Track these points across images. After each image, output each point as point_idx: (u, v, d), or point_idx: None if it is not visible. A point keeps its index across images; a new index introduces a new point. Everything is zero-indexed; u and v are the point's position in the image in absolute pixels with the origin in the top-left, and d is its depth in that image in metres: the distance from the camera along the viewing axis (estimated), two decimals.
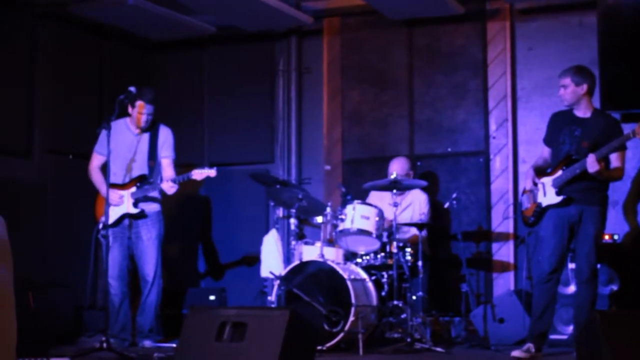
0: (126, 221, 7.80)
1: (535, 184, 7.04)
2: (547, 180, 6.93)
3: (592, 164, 6.56)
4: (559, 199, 6.83)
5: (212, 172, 7.59)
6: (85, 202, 8.18)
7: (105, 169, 7.18)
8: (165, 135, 7.97)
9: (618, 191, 8.23)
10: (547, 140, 7.15)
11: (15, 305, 3.19)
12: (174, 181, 7.62)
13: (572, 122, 6.91)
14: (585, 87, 6.84)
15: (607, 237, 7.93)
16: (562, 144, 6.92)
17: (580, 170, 6.66)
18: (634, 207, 8.43)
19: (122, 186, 7.77)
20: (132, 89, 7.12)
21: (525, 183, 7.23)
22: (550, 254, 6.88)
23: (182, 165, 8.29)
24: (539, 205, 6.95)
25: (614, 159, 6.77)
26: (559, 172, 6.85)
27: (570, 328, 7.53)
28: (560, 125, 6.99)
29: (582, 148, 6.75)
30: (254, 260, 8.71)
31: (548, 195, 6.90)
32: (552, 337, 7.50)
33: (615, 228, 8.24)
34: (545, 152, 7.16)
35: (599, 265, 6.95)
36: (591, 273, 6.76)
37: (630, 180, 8.41)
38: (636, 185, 8.44)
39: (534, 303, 6.95)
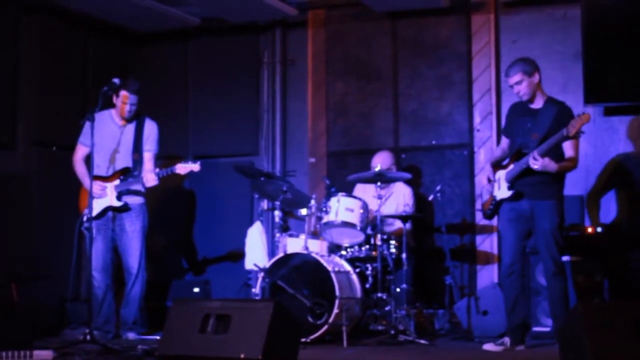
0: (109, 214, 7.79)
1: (490, 181, 7.03)
2: (502, 174, 6.93)
3: (536, 160, 6.52)
4: (510, 193, 6.82)
5: (195, 167, 7.57)
6: (69, 194, 8.16)
7: (89, 160, 7.16)
8: (150, 129, 7.95)
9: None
10: (505, 132, 7.15)
11: None
12: (157, 175, 7.60)
13: (525, 114, 6.86)
14: (537, 75, 6.78)
15: (590, 229, 7.95)
16: (516, 136, 6.90)
17: (526, 166, 6.63)
18: (597, 201, 8.45)
19: (106, 178, 7.76)
20: (116, 80, 7.10)
21: (484, 178, 7.22)
22: (507, 248, 6.91)
23: (167, 157, 8.28)
24: (494, 198, 6.96)
25: (568, 148, 6.69)
26: (511, 166, 6.84)
27: None
28: (516, 117, 6.97)
29: (531, 141, 6.68)
30: (239, 255, 8.70)
31: (502, 189, 6.90)
32: (536, 329, 7.54)
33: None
34: (504, 143, 7.15)
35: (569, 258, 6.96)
36: (556, 267, 6.71)
37: (595, 176, 8.44)
38: (601, 181, 8.45)
39: (504, 297, 6.97)
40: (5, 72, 8.72)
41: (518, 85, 6.79)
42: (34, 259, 8.63)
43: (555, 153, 6.64)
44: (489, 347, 6.77)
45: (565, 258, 7.31)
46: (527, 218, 6.80)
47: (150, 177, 7.61)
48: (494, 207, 6.98)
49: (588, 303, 6.61)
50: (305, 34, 9.85)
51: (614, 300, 7.65)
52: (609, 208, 8.45)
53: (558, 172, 6.67)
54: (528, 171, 6.65)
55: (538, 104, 6.83)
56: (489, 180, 7.07)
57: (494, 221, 8.73)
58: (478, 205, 8.86)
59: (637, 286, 7.84)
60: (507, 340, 6.77)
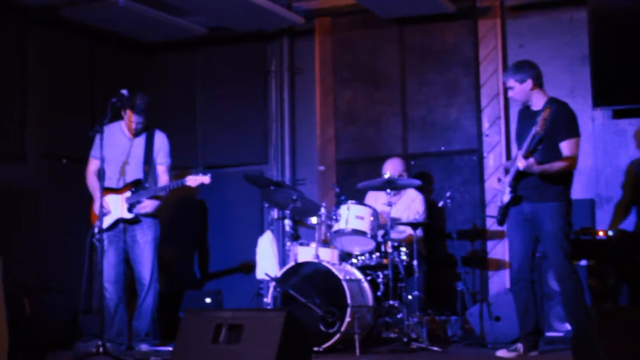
0: (121, 225, 7.79)
1: (499, 180, 7.05)
2: (507, 179, 6.94)
3: (520, 161, 6.51)
4: (509, 197, 6.81)
5: (206, 179, 7.54)
6: (80, 206, 8.17)
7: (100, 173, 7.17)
8: (161, 141, 7.95)
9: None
10: (515, 137, 7.12)
11: (6, 312, 3.18)
12: (167, 188, 7.61)
13: (528, 117, 6.83)
14: (530, 82, 6.75)
15: (601, 233, 7.92)
16: (520, 140, 6.90)
17: (516, 168, 6.62)
18: (625, 210, 8.40)
19: (117, 190, 7.76)
20: (124, 91, 7.11)
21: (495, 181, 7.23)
22: (514, 254, 6.89)
23: (175, 167, 8.28)
24: (501, 202, 6.96)
25: (564, 148, 6.62)
26: (510, 169, 6.84)
27: (566, 325, 7.54)
28: (520, 121, 6.99)
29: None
30: (251, 267, 8.67)
31: (506, 193, 6.89)
32: (548, 334, 7.52)
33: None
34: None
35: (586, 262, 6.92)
36: (563, 269, 6.65)
37: (605, 179, 8.41)
38: (626, 190, 8.40)
39: (515, 305, 6.95)
40: (13, 85, 8.75)
41: (511, 91, 6.84)
42: (46, 272, 8.65)
43: (553, 154, 6.61)
44: (502, 353, 6.75)
45: (582, 262, 7.28)
46: (530, 221, 6.76)
47: (145, 204, 7.65)
48: (503, 212, 6.96)
49: (601, 307, 6.60)
50: (313, 42, 9.86)
51: (628, 304, 7.62)
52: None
53: (546, 174, 6.60)
54: (524, 174, 6.63)
55: (537, 105, 6.79)
56: (499, 180, 7.07)
57: (505, 226, 8.76)
58: (490, 211, 8.84)
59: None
60: (520, 346, 6.74)
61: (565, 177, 6.73)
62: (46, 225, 8.79)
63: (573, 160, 6.65)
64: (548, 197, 6.66)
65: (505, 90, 8.85)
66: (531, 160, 6.50)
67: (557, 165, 6.61)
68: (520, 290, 6.83)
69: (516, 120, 7.10)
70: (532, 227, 6.78)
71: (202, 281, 9.88)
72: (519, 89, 6.78)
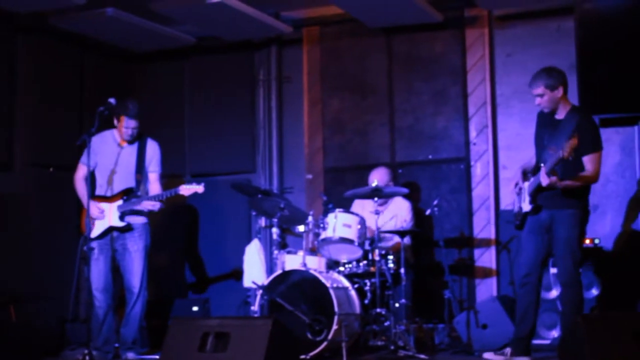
0: (111, 233, 7.77)
1: (520, 188, 7.02)
2: (526, 186, 6.93)
3: (543, 178, 6.50)
4: (530, 207, 6.81)
5: (199, 188, 7.52)
6: (67, 214, 8.17)
7: (92, 179, 7.18)
8: (153, 150, 7.93)
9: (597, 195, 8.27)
10: (534, 141, 7.05)
11: None
12: (160, 197, 7.59)
13: (548, 124, 6.81)
14: (561, 89, 6.69)
15: (587, 241, 7.95)
16: (538, 147, 6.89)
17: (539, 182, 6.60)
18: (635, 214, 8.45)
19: (108, 198, 7.75)
20: (112, 100, 7.11)
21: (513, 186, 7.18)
22: (525, 259, 6.89)
23: (164, 175, 8.26)
24: (520, 209, 6.96)
25: (586, 162, 6.59)
26: (531, 179, 6.85)
27: (552, 333, 7.55)
28: (539, 128, 6.94)
29: (548, 155, 6.59)
30: (240, 274, 8.67)
31: (526, 202, 6.90)
32: (535, 342, 7.52)
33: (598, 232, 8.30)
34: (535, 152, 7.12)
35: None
36: (569, 276, 6.68)
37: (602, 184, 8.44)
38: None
39: (517, 307, 6.96)
40: (1, 92, 8.74)
41: (540, 98, 6.73)
42: (33, 280, 8.62)
43: (575, 167, 6.55)
44: (488, 355, 6.77)
45: None
46: (547, 229, 6.77)
47: (147, 204, 7.59)
48: (522, 219, 6.97)
49: (588, 315, 6.62)
50: (301, 51, 9.88)
51: (614, 311, 7.65)
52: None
53: (574, 188, 6.61)
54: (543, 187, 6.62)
55: (561, 114, 6.75)
56: (515, 185, 7.05)
57: (492, 234, 8.80)
58: (477, 220, 8.87)
59: (634, 298, 7.84)
60: (508, 350, 6.77)
61: (582, 188, 6.72)
62: (33, 233, 8.77)
63: (596, 174, 6.63)
64: (565, 204, 6.66)
65: (493, 99, 8.96)
66: (554, 178, 6.47)
67: (580, 181, 6.61)
68: (525, 294, 6.85)
69: (535, 124, 7.00)
70: (547, 235, 6.78)
71: (189, 289, 9.87)
72: (550, 97, 6.70)
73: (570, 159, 6.27)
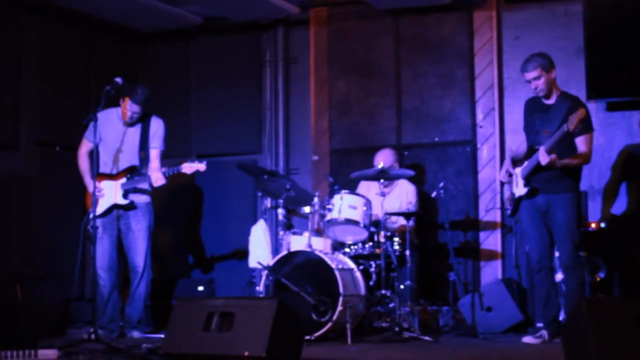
0: (115, 212, 7.78)
1: (510, 175, 7.08)
2: (519, 171, 6.98)
3: (542, 156, 6.58)
4: (525, 190, 6.87)
5: (202, 167, 7.55)
6: (72, 193, 8.17)
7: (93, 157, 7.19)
8: (157, 126, 7.93)
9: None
10: (524, 128, 7.18)
11: None
12: (163, 174, 7.60)
13: (539, 110, 6.92)
14: (554, 71, 6.83)
15: (593, 225, 7.95)
16: (530, 133, 6.96)
17: (537, 162, 6.68)
18: (613, 193, 8.43)
19: (112, 176, 7.76)
20: (118, 79, 7.09)
21: (500, 173, 7.27)
22: (534, 245, 6.98)
23: (169, 156, 8.26)
24: (513, 195, 7.03)
25: (580, 143, 6.72)
26: (525, 163, 6.89)
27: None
28: (529, 113, 7.04)
29: (543, 137, 6.73)
30: (244, 253, 8.69)
31: (519, 186, 6.97)
32: (540, 324, 7.53)
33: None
34: (525, 139, 7.19)
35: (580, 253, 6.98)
36: (570, 260, 6.78)
37: (598, 172, 8.43)
38: (615, 172, 8.44)
39: (536, 294, 7.09)
40: (7, 72, 8.74)
41: (536, 81, 6.83)
42: (38, 259, 8.65)
43: (568, 148, 6.68)
44: (528, 339, 6.87)
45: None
46: (544, 213, 6.88)
47: (157, 176, 7.60)
48: (514, 205, 7.02)
49: (592, 299, 6.62)
50: (308, 33, 9.85)
51: (619, 295, 7.64)
52: (620, 201, 8.45)
53: (565, 167, 6.70)
54: (540, 167, 6.69)
55: (551, 99, 6.88)
56: (510, 175, 7.09)
57: (497, 217, 8.78)
58: (482, 202, 8.86)
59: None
60: (544, 333, 6.87)
61: (576, 171, 6.87)
62: (39, 212, 8.79)
63: (589, 154, 6.80)
64: (561, 188, 6.79)
65: (500, 81, 8.94)
66: (554, 156, 6.58)
67: (577, 159, 6.74)
68: (542, 279, 6.96)
69: (523, 111, 7.11)
70: (545, 218, 6.88)
71: (194, 269, 9.89)
72: (546, 78, 6.80)
73: (576, 131, 6.40)
